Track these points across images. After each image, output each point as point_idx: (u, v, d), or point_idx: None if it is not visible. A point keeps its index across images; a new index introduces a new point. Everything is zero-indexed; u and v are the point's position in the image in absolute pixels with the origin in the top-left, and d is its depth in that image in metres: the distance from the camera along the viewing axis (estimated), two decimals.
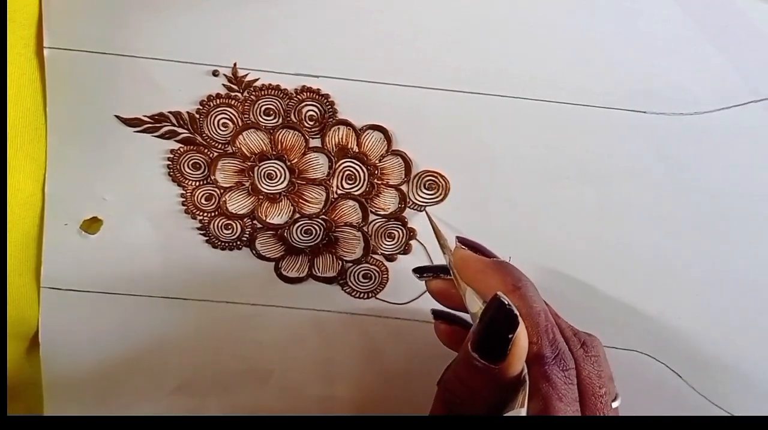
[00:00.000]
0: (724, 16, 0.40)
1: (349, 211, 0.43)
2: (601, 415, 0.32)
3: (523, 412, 0.30)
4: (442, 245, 0.39)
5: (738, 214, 0.42)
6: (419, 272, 0.40)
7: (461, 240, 0.37)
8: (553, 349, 0.31)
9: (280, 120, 0.42)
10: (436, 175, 0.42)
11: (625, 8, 0.40)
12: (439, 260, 0.42)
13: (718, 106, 0.41)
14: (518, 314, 0.31)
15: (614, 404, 0.35)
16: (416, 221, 0.43)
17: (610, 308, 0.43)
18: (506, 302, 0.31)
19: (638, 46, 0.40)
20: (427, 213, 0.42)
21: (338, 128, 0.42)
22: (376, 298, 0.44)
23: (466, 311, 0.35)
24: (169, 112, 0.41)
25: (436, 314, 0.40)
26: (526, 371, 0.31)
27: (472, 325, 0.37)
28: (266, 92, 0.41)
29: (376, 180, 0.43)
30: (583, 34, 0.40)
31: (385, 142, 0.42)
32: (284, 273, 0.44)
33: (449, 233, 0.41)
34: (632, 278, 0.43)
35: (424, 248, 0.43)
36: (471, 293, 0.34)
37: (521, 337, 0.30)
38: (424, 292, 0.44)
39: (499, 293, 0.32)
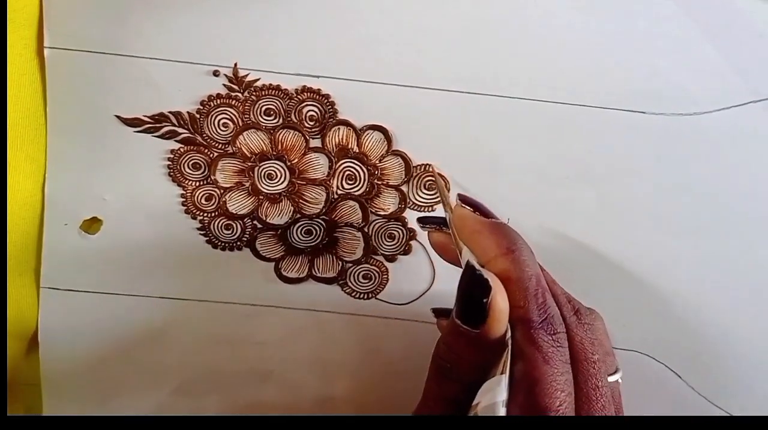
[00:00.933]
0: (724, 16, 0.40)
1: (350, 212, 0.43)
2: (595, 381, 0.31)
3: (505, 378, 0.30)
4: (444, 201, 0.39)
5: (737, 214, 0.42)
6: (423, 221, 0.40)
7: (462, 198, 0.36)
8: (540, 313, 0.31)
9: (281, 120, 0.42)
10: (436, 175, 0.42)
11: (624, 8, 0.40)
12: (442, 262, 0.42)
13: (717, 106, 0.41)
14: (489, 278, 0.31)
15: (613, 378, 0.35)
16: (416, 221, 0.43)
17: (609, 308, 0.43)
18: (476, 268, 0.31)
19: (637, 46, 0.41)
20: (433, 168, 0.42)
21: (338, 128, 0.42)
22: (377, 298, 0.44)
23: (460, 266, 0.35)
24: (170, 112, 0.41)
25: (437, 312, 0.40)
26: (509, 334, 0.31)
27: None
28: (267, 92, 0.41)
29: (376, 180, 0.43)
30: (582, 34, 0.41)
31: (386, 142, 0.42)
32: (284, 273, 0.44)
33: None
34: (632, 277, 0.43)
35: (425, 248, 0.43)
36: (467, 251, 0.34)
37: (497, 300, 0.30)
38: (424, 292, 0.44)
39: (469, 259, 0.32)
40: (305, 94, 0.41)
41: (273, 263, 0.44)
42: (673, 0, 0.40)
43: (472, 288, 0.31)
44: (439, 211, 0.42)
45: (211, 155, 0.42)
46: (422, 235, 0.43)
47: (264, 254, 0.44)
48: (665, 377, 0.44)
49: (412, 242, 0.43)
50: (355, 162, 0.42)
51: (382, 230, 0.43)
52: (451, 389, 0.33)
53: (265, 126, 0.42)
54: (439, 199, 0.43)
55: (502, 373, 0.30)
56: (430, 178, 0.42)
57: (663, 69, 0.41)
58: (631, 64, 0.41)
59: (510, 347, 0.31)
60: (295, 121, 0.42)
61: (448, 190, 0.42)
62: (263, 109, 0.42)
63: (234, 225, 0.43)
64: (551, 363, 0.30)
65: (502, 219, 0.35)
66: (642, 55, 0.41)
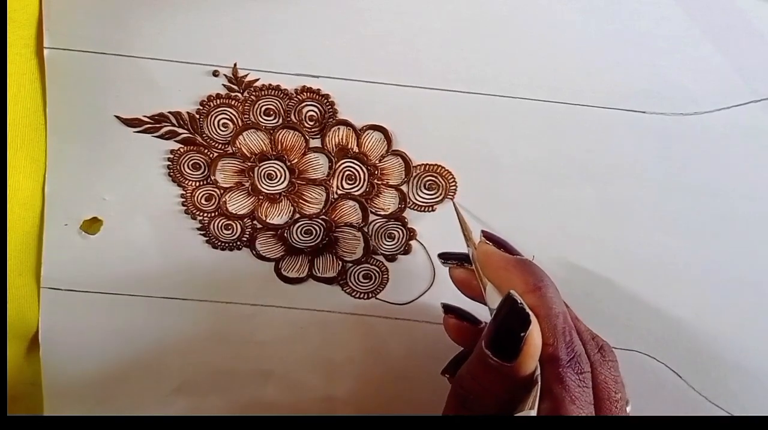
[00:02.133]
0: (724, 16, 0.40)
1: (349, 212, 0.43)
2: None
3: (533, 413, 0.30)
4: (467, 237, 0.39)
5: (738, 213, 0.42)
6: (444, 257, 0.40)
7: (486, 235, 0.37)
8: (568, 351, 0.31)
9: (280, 120, 0.42)
10: (436, 175, 0.42)
11: (625, 8, 0.40)
12: (438, 261, 0.42)
13: (717, 106, 0.41)
14: (530, 313, 0.31)
15: (626, 409, 0.35)
16: (416, 221, 0.43)
17: (610, 308, 0.43)
18: (519, 301, 0.31)
19: (638, 46, 0.41)
20: (454, 203, 0.42)
21: (338, 128, 0.42)
22: (377, 298, 0.44)
23: (485, 303, 0.35)
24: (169, 112, 0.41)
25: (446, 308, 0.40)
26: (539, 371, 0.31)
27: (480, 321, 0.37)
28: (266, 92, 0.41)
29: (376, 180, 0.43)
30: (583, 34, 0.41)
31: (385, 142, 0.42)
32: (284, 273, 0.44)
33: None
34: (632, 277, 0.43)
35: (424, 248, 0.43)
36: (491, 288, 0.34)
37: (534, 336, 0.30)
38: (424, 292, 0.44)
39: (512, 291, 0.32)
40: (305, 94, 0.41)
41: (273, 263, 0.44)
42: (673, 0, 0.40)
43: (512, 320, 0.31)
44: (460, 247, 0.42)
45: (211, 155, 0.42)
46: (422, 235, 0.43)
47: (264, 254, 0.44)
48: (665, 377, 0.44)
49: (412, 242, 0.43)
50: (355, 162, 0.42)
51: (382, 230, 0.43)
52: None
53: (265, 126, 0.42)
54: (440, 199, 0.43)
55: (530, 408, 0.30)
56: (430, 178, 0.42)
57: (663, 69, 0.41)
58: (631, 64, 0.41)
59: (539, 384, 0.31)
60: (295, 121, 0.42)
61: (454, 193, 0.42)
62: (263, 109, 0.42)
63: (234, 225, 0.43)
64: (577, 403, 0.30)
65: (527, 256, 0.36)
66: (643, 55, 0.41)
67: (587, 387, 0.31)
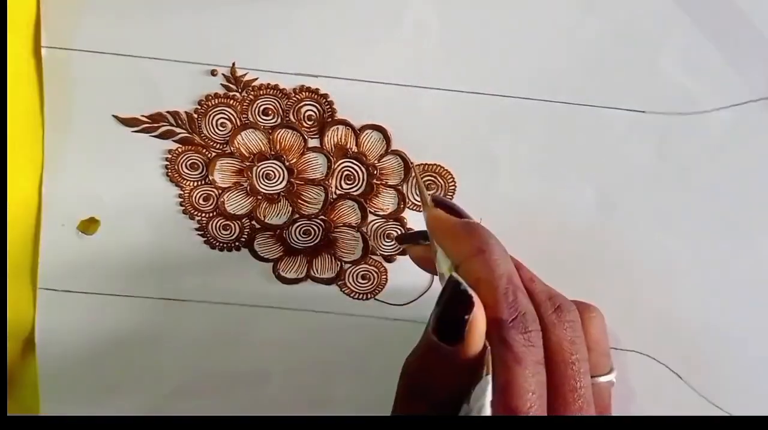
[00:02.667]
0: (723, 15, 0.40)
1: (348, 212, 0.43)
2: (573, 382, 0.31)
3: (490, 378, 0.29)
4: (424, 203, 0.37)
5: (737, 213, 0.42)
6: (401, 239, 0.40)
7: (435, 199, 0.36)
8: (510, 311, 0.30)
9: (279, 120, 0.42)
10: (435, 175, 0.42)
11: (625, 8, 0.40)
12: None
13: (717, 105, 0.41)
14: (473, 294, 0.30)
15: (605, 378, 0.34)
16: (416, 221, 0.43)
17: (609, 308, 0.43)
18: (460, 283, 0.30)
19: (637, 45, 0.41)
20: (413, 168, 0.41)
21: (337, 128, 0.42)
22: (375, 299, 0.44)
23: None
24: (167, 111, 0.41)
25: (401, 239, 0.40)
26: (487, 345, 0.30)
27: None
28: (265, 92, 0.41)
29: (375, 180, 0.42)
30: (582, 33, 0.41)
31: (384, 142, 0.42)
32: (283, 274, 0.44)
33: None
34: (631, 277, 0.43)
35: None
36: (441, 254, 0.33)
37: (478, 318, 0.29)
38: (423, 293, 0.44)
39: (453, 274, 0.31)
40: (303, 93, 0.41)
41: (271, 264, 0.44)
42: (673, 0, 0.40)
43: (454, 303, 0.30)
44: (417, 226, 0.42)
45: (209, 155, 0.42)
46: None
47: (262, 255, 0.43)
48: (665, 377, 0.44)
49: None
50: (354, 162, 0.42)
51: (380, 230, 0.43)
52: (420, 409, 0.32)
53: (263, 126, 0.42)
54: None
55: (487, 373, 0.30)
56: (429, 177, 0.42)
57: (663, 68, 0.41)
58: (631, 63, 0.41)
59: (489, 348, 0.30)
60: (294, 120, 0.42)
61: (453, 192, 0.42)
62: (261, 108, 0.41)
63: (232, 225, 0.43)
64: (523, 363, 0.29)
65: (474, 218, 0.35)
66: (642, 54, 0.41)
67: (533, 346, 0.30)
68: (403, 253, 0.43)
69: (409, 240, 0.39)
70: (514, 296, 0.31)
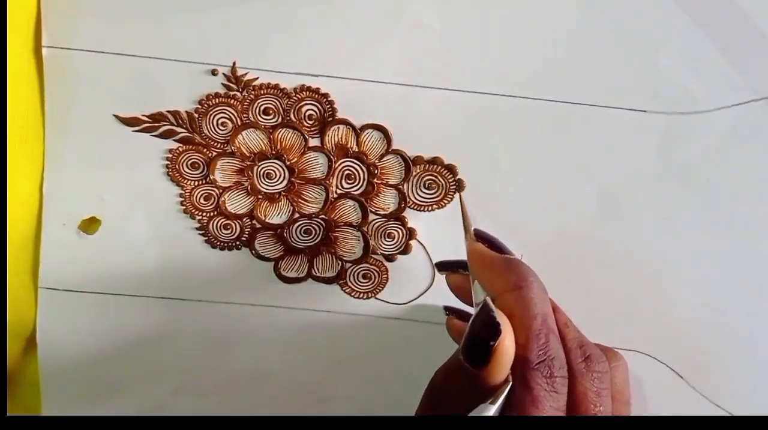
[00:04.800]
0: (725, 15, 0.40)
1: (349, 211, 0.43)
2: None
3: (492, 408, 0.29)
4: (467, 231, 0.38)
5: (739, 213, 0.42)
6: (441, 266, 0.40)
7: (477, 233, 0.36)
8: (539, 354, 0.30)
9: (280, 119, 0.42)
10: (435, 174, 0.42)
11: (626, 7, 0.40)
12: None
13: (718, 105, 0.41)
14: (501, 322, 0.30)
15: None
16: (416, 220, 0.43)
17: (610, 308, 0.43)
18: (491, 308, 0.30)
19: (639, 45, 0.40)
20: (460, 197, 0.41)
21: (338, 128, 0.42)
22: (376, 298, 0.44)
23: None
24: (168, 111, 0.41)
25: (448, 310, 0.40)
26: (510, 376, 0.30)
27: None
28: (265, 91, 0.41)
29: (375, 180, 0.42)
30: (584, 32, 0.40)
31: (385, 141, 0.42)
32: (283, 273, 0.44)
33: (447, 243, 0.42)
34: (632, 277, 0.43)
35: (424, 248, 0.43)
36: (477, 285, 0.34)
37: (504, 345, 0.30)
38: (424, 292, 0.44)
39: (487, 298, 0.31)
40: (304, 93, 0.41)
41: (272, 263, 0.44)
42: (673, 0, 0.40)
43: (482, 328, 0.30)
44: (461, 248, 0.42)
45: (210, 155, 0.42)
46: (422, 234, 0.43)
47: (263, 254, 0.43)
48: (666, 377, 0.44)
49: (412, 242, 0.43)
50: (355, 161, 0.42)
51: (381, 230, 0.43)
52: None
53: (264, 125, 0.42)
54: (438, 198, 0.42)
55: (491, 402, 0.30)
56: (430, 177, 0.42)
57: (664, 68, 0.41)
58: (632, 62, 0.41)
59: (510, 383, 0.30)
60: (294, 120, 0.42)
61: (454, 192, 0.42)
62: (262, 108, 0.41)
63: (233, 225, 0.43)
64: (539, 408, 0.29)
65: (515, 255, 0.35)
66: (643, 53, 0.40)
67: (557, 393, 0.30)
68: (403, 252, 0.43)
69: (449, 268, 0.39)
70: (546, 338, 0.31)
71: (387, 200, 0.43)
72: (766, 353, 0.43)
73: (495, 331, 0.30)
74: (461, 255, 0.41)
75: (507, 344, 0.30)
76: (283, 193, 0.43)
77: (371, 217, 0.43)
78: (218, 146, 0.42)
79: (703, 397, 0.44)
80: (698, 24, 0.40)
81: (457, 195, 0.42)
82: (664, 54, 0.40)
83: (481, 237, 0.36)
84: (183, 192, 0.42)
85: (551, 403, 0.30)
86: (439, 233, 0.43)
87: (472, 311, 0.38)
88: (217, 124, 0.41)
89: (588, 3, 0.40)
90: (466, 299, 0.38)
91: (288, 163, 0.42)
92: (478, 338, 0.30)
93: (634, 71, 0.41)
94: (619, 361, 0.35)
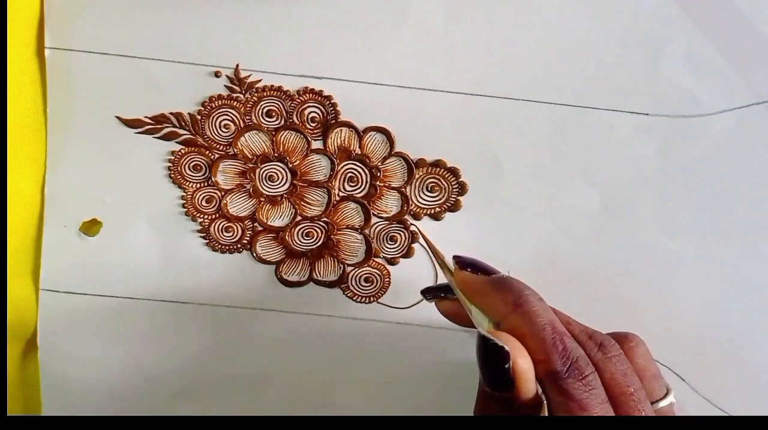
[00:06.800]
0: (726, 18, 0.40)
1: (351, 214, 0.43)
2: (637, 412, 0.31)
3: None
4: (441, 264, 0.38)
5: (740, 215, 0.42)
6: (427, 292, 0.40)
7: (458, 260, 0.36)
8: (564, 361, 0.31)
9: (282, 121, 0.42)
10: (438, 177, 0.42)
11: (628, 11, 0.40)
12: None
13: (720, 108, 0.41)
14: (503, 345, 0.30)
15: (665, 402, 0.34)
16: (418, 223, 0.43)
17: (612, 309, 0.43)
18: (488, 337, 0.31)
19: (641, 48, 0.41)
20: (420, 232, 0.42)
21: (340, 130, 0.42)
22: (378, 302, 0.44)
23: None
24: (171, 113, 0.41)
25: (428, 293, 0.40)
26: (540, 390, 0.31)
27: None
28: (268, 93, 0.41)
29: (378, 182, 0.42)
30: (586, 36, 0.41)
31: (388, 144, 0.42)
32: (285, 277, 0.44)
33: (450, 246, 0.41)
34: (634, 279, 0.43)
35: (426, 251, 0.43)
36: (477, 312, 0.34)
37: (519, 363, 0.30)
38: None
39: (479, 330, 0.32)
40: (307, 95, 0.41)
41: (273, 266, 0.43)
42: (676, 2, 0.40)
43: (490, 358, 0.31)
44: (462, 250, 0.43)
45: (212, 157, 0.42)
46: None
47: (264, 257, 0.43)
48: (667, 378, 0.43)
49: (414, 245, 0.43)
50: (357, 164, 0.42)
51: (383, 233, 0.43)
52: None
53: (267, 127, 0.42)
54: (440, 201, 0.42)
55: None
56: (433, 179, 0.42)
57: (666, 71, 0.41)
58: (634, 66, 0.41)
59: (545, 402, 0.30)
60: (297, 122, 0.42)
61: (457, 195, 0.42)
62: (265, 110, 0.41)
63: (234, 227, 0.43)
64: (588, 409, 0.30)
65: (502, 272, 0.35)
66: (646, 57, 0.41)
67: (595, 388, 0.31)
68: (406, 256, 0.43)
69: (434, 294, 0.39)
70: (562, 344, 0.31)
71: (389, 203, 0.43)
72: (766, 354, 0.43)
73: (503, 354, 0.30)
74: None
75: (521, 362, 0.30)
76: (286, 196, 0.43)
77: (374, 220, 0.43)
78: (221, 148, 0.42)
79: (705, 399, 0.44)
80: (700, 28, 0.40)
81: (420, 237, 0.43)
82: (666, 57, 0.41)
83: (463, 264, 0.36)
84: (185, 194, 0.42)
85: (596, 400, 0.30)
86: (441, 237, 0.43)
87: (447, 283, 0.38)
88: (220, 126, 0.41)
89: (591, 7, 0.40)
90: (462, 322, 0.38)
91: (290, 165, 0.42)
92: (492, 367, 0.30)
93: (637, 75, 0.41)
94: (633, 341, 0.35)
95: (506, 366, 0.30)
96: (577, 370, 0.31)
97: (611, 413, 0.31)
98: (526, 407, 0.31)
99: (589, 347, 0.33)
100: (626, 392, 0.31)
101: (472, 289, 0.35)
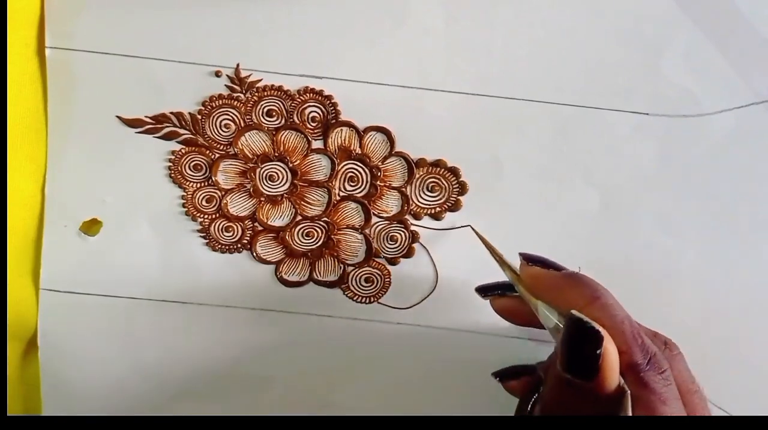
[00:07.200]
0: (726, 18, 0.40)
1: (351, 214, 0.43)
2: (704, 411, 0.32)
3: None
4: (500, 261, 0.38)
5: (740, 215, 0.42)
6: (483, 291, 0.39)
7: (527, 257, 0.36)
8: (644, 354, 0.31)
9: (283, 121, 0.42)
10: (438, 177, 0.42)
11: (628, 11, 0.40)
12: (445, 265, 0.43)
13: (719, 108, 0.41)
14: (600, 329, 0.30)
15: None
16: (418, 223, 0.43)
17: None
18: (584, 320, 0.30)
19: (641, 48, 0.41)
20: (474, 230, 0.41)
21: (341, 130, 0.42)
22: (378, 302, 0.44)
23: (535, 326, 0.35)
24: (171, 112, 0.41)
25: (483, 290, 0.39)
26: (623, 382, 0.30)
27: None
28: (269, 93, 0.41)
29: (378, 182, 0.42)
30: (587, 36, 0.41)
31: (388, 143, 0.42)
32: (285, 277, 0.44)
33: (450, 246, 0.42)
34: (635, 279, 0.43)
35: (427, 251, 0.43)
36: (543, 307, 0.34)
37: (609, 351, 0.30)
38: (426, 297, 0.44)
39: (573, 312, 0.31)
40: (307, 95, 0.41)
41: (273, 267, 0.43)
42: (676, 2, 0.40)
43: (582, 341, 0.30)
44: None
45: (213, 156, 0.42)
46: (425, 237, 0.43)
47: (264, 257, 0.43)
48: None
49: (415, 245, 0.43)
50: (357, 163, 0.42)
51: (384, 233, 0.43)
52: None
53: (267, 127, 0.42)
54: (441, 200, 0.42)
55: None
56: (433, 179, 0.42)
57: (666, 71, 0.41)
58: (634, 66, 0.41)
59: (629, 393, 0.30)
60: (297, 122, 0.42)
61: (457, 195, 0.42)
62: (265, 110, 0.41)
63: (234, 227, 0.43)
64: (668, 403, 0.30)
65: (572, 268, 0.35)
66: (646, 57, 0.41)
67: (671, 384, 0.31)
68: (406, 256, 0.43)
69: (491, 291, 0.39)
70: (641, 338, 0.31)
71: (390, 203, 0.43)
72: (766, 353, 0.43)
73: (598, 339, 0.30)
74: (464, 256, 0.41)
75: (611, 349, 0.30)
76: (286, 196, 0.43)
77: (374, 220, 0.43)
78: (221, 148, 0.42)
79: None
80: (700, 27, 0.40)
81: (470, 229, 0.42)
82: (666, 57, 0.41)
83: (532, 260, 0.36)
84: (185, 194, 0.42)
85: (672, 394, 0.30)
86: (442, 236, 0.43)
87: (507, 280, 0.37)
88: (220, 126, 0.41)
89: (591, 7, 0.40)
90: (518, 320, 0.38)
91: (291, 165, 0.42)
92: (581, 352, 0.30)
93: (637, 74, 0.41)
94: (678, 349, 0.36)
95: (598, 351, 0.29)
96: (657, 364, 0.31)
97: (684, 411, 0.31)
98: (606, 398, 0.30)
99: (657, 344, 0.33)
100: (691, 389, 0.32)
101: (543, 284, 0.35)
